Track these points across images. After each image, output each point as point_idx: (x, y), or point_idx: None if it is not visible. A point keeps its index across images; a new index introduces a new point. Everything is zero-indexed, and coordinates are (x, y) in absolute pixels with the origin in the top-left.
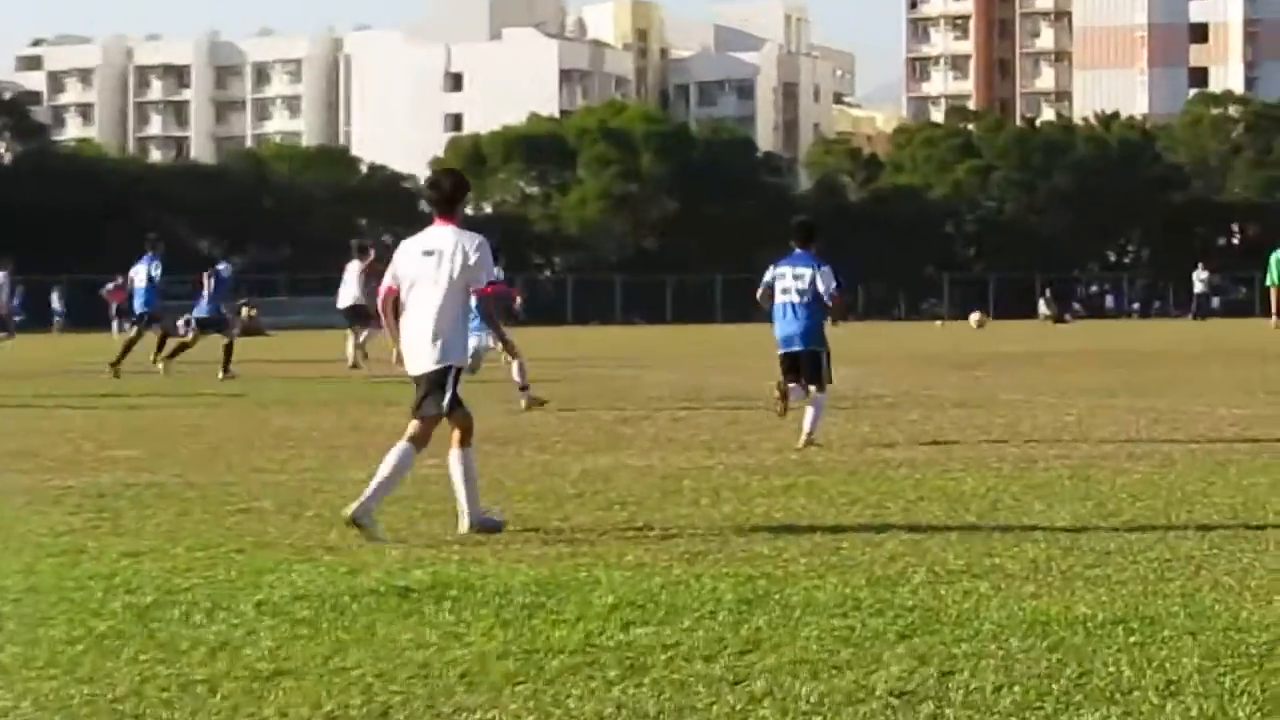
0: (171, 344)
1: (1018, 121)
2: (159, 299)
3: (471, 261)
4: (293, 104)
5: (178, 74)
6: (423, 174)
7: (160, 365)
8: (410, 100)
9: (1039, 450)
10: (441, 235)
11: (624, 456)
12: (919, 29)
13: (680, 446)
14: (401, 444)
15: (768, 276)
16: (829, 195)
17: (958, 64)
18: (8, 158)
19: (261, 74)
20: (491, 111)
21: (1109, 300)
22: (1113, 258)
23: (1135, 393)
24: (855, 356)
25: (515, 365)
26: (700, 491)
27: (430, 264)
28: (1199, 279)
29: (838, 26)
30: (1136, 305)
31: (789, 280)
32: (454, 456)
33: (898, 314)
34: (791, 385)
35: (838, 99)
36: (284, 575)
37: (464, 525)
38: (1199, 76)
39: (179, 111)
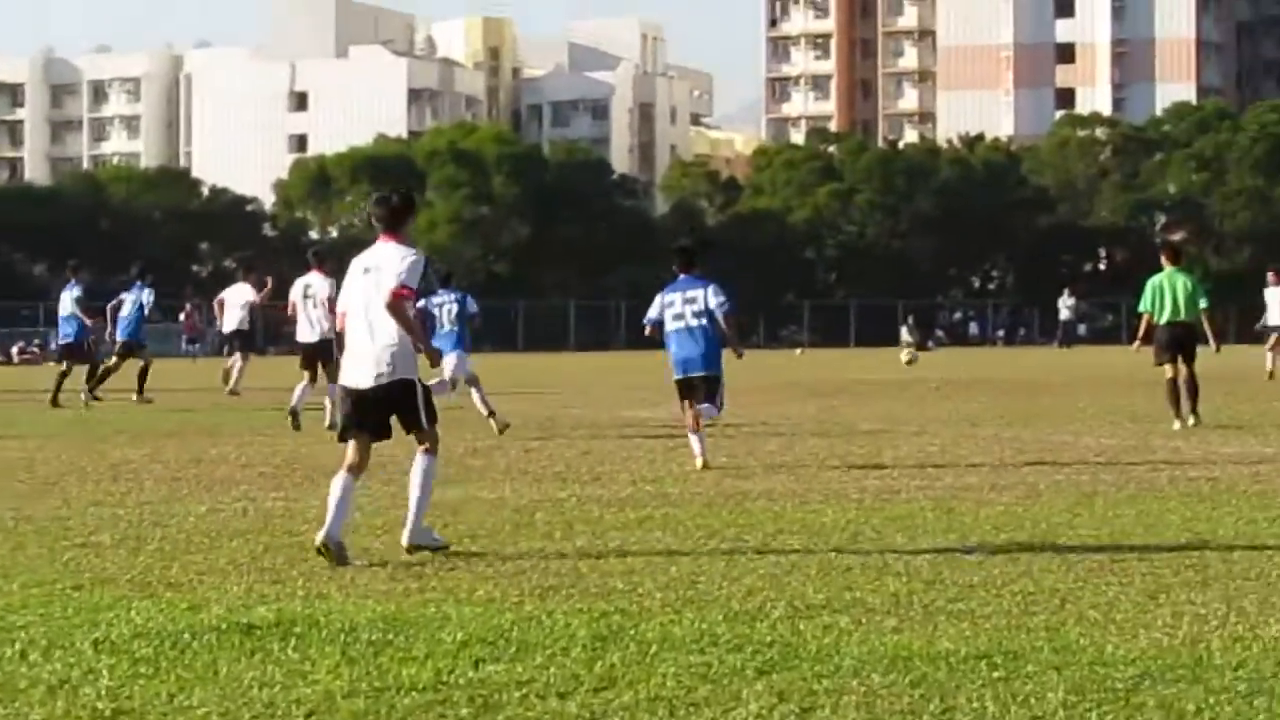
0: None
1: (880, 143)
2: (86, 328)
3: (397, 270)
4: (131, 124)
5: (11, 92)
6: (266, 196)
7: (84, 395)
8: (253, 120)
9: (901, 481)
10: (383, 251)
11: (474, 489)
12: (779, 48)
13: (532, 478)
14: (419, 459)
15: (654, 312)
16: (686, 219)
17: (819, 84)
18: None
19: (99, 92)
20: (338, 132)
21: (973, 327)
22: (977, 283)
23: (999, 422)
24: None
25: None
26: (553, 524)
27: (370, 281)
28: (1065, 305)
29: (695, 46)
30: (1001, 332)
31: (680, 306)
32: (342, 479)
33: (756, 341)
34: (698, 406)
35: (695, 120)
36: (123, 612)
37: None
38: (1066, 98)
39: (12, 131)
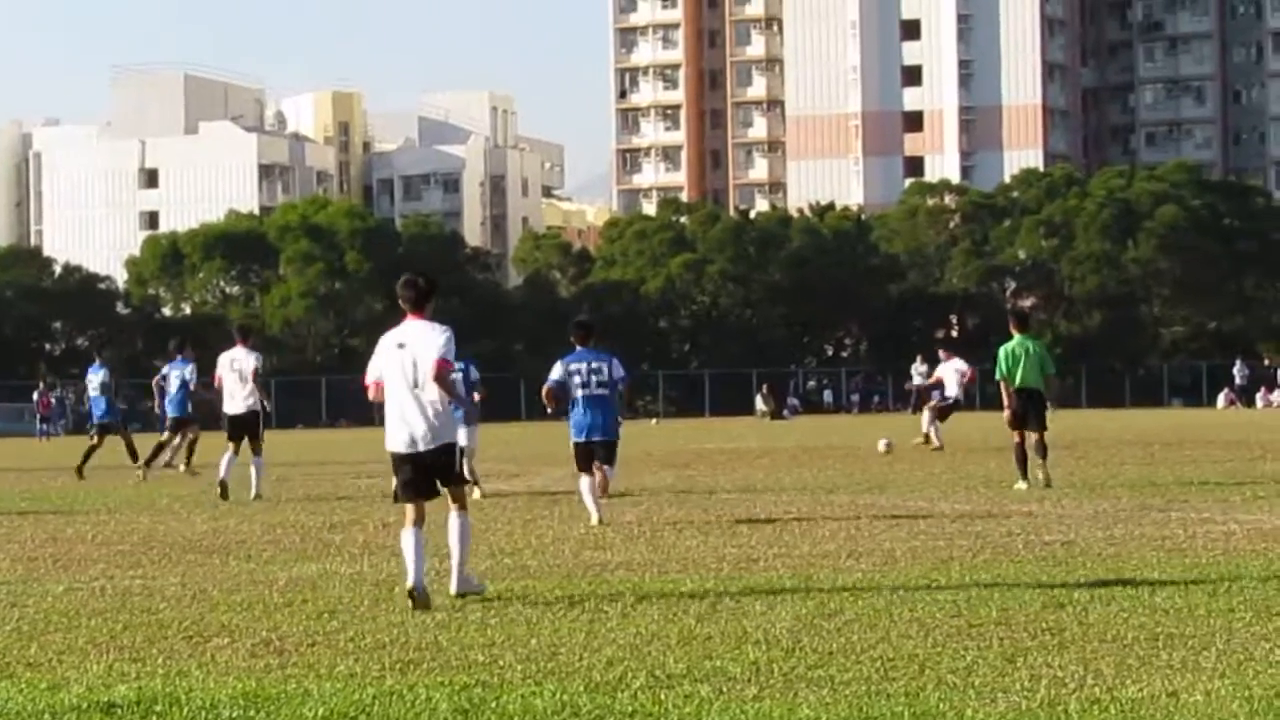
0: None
1: (731, 213)
2: (114, 407)
3: (435, 345)
4: None
5: None
6: (119, 274)
7: (140, 472)
8: (104, 198)
9: (758, 550)
10: (413, 329)
11: (333, 564)
12: (629, 119)
13: (390, 553)
14: (454, 518)
15: (557, 374)
16: (539, 292)
17: (669, 155)
18: None
19: None
20: (189, 208)
21: (827, 395)
22: (830, 351)
23: (855, 489)
24: (567, 456)
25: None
26: None
27: (405, 356)
28: (917, 372)
29: (546, 118)
30: (855, 399)
31: (587, 374)
32: (411, 533)
33: None
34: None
35: (547, 192)
36: None
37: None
38: (914, 165)
39: None
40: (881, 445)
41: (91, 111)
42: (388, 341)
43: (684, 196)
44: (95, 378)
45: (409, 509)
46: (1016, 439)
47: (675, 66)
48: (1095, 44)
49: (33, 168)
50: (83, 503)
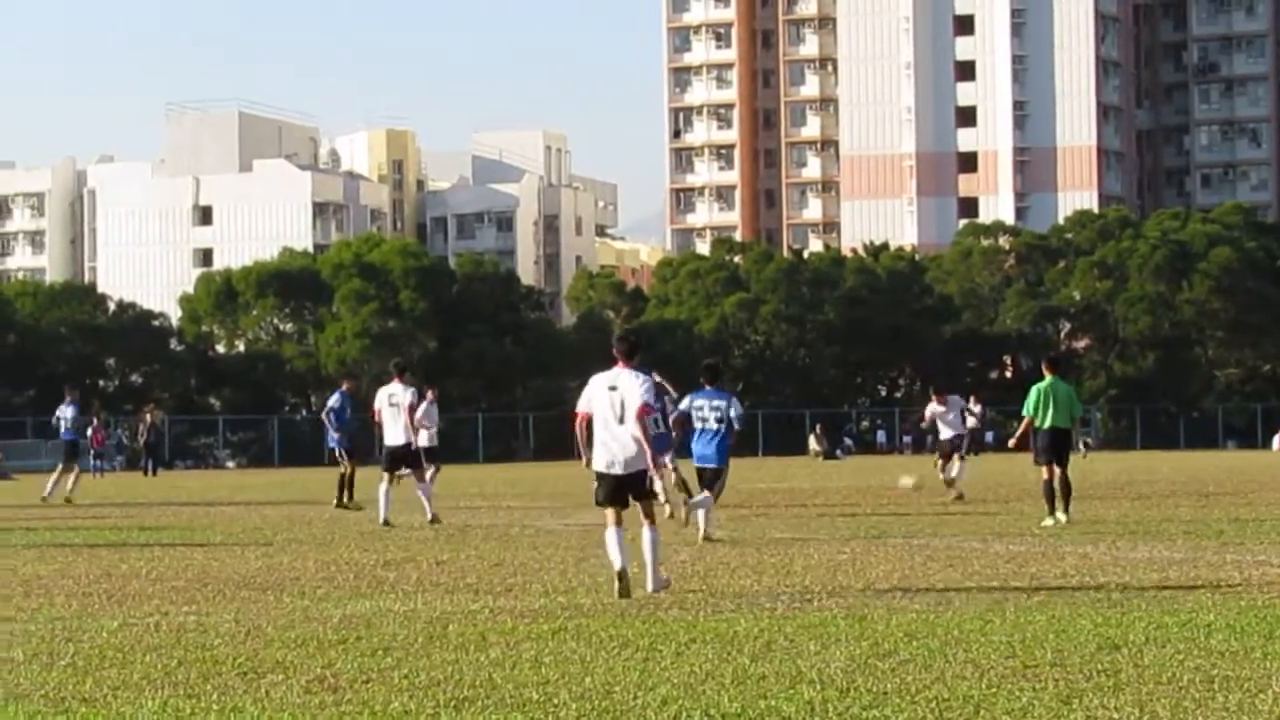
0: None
1: (785, 253)
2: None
3: (638, 392)
4: (36, 239)
5: None
6: (173, 310)
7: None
8: (158, 234)
9: (812, 589)
10: (622, 375)
11: (387, 601)
12: (682, 159)
13: (445, 590)
14: (646, 533)
15: (684, 405)
16: (593, 331)
17: (723, 194)
18: None
19: (2, 208)
20: (243, 246)
21: (880, 435)
22: (883, 392)
23: (909, 530)
24: None
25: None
26: (466, 636)
27: (614, 396)
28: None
29: (600, 157)
30: (908, 439)
31: (707, 411)
32: (614, 532)
33: None
34: (704, 495)
35: (600, 231)
36: None
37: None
38: (968, 206)
39: None
40: (908, 482)
41: (146, 148)
42: (600, 382)
43: (737, 236)
44: (333, 401)
45: (609, 513)
46: (1045, 476)
47: (729, 106)
48: (1150, 86)
49: (87, 204)
50: (137, 538)
